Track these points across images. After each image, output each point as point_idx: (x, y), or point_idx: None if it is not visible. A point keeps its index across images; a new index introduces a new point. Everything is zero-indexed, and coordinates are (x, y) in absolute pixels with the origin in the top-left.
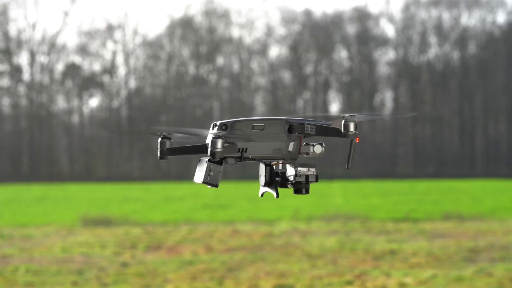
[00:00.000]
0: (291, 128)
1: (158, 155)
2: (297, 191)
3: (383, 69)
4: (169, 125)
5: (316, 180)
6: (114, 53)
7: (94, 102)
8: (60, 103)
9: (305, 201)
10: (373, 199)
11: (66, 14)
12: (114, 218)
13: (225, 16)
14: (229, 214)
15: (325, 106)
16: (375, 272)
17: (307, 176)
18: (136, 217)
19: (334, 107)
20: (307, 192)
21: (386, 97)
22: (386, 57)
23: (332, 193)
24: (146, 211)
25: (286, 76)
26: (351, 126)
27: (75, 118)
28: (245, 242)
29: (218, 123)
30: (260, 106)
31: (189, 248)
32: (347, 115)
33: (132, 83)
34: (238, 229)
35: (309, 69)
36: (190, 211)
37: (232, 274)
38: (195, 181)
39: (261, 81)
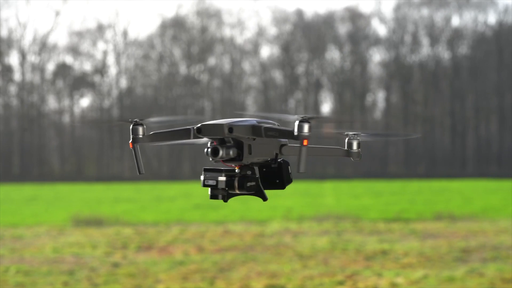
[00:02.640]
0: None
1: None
2: (213, 196)
3: (374, 69)
4: (161, 125)
5: (227, 187)
6: (105, 53)
7: (85, 102)
8: (51, 103)
9: (297, 201)
10: (365, 199)
11: (57, 13)
12: (105, 218)
13: (216, 16)
14: (220, 214)
15: (316, 106)
16: (367, 272)
17: (223, 182)
18: (127, 217)
19: (326, 107)
20: (223, 198)
21: (378, 97)
22: (377, 57)
23: (323, 193)
24: (137, 211)
25: (278, 76)
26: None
27: (66, 118)
28: (236, 242)
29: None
30: (251, 106)
31: (180, 248)
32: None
33: (123, 83)
34: (229, 229)
35: (300, 69)
36: (181, 211)
37: (224, 275)
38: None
39: (253, 81)
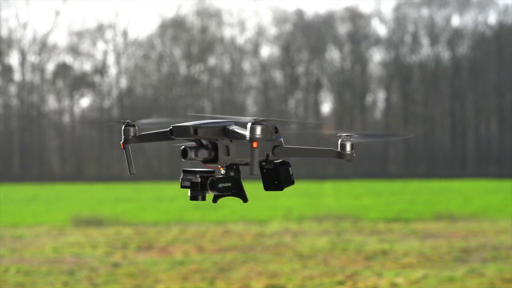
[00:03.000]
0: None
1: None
2: (192, 198)
3: (374, 69)
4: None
5: (202, 188)
6: (105, 53)
7: (85, 102)
8: (51, 103)
9: (297, 201)
10: (365, 199)
11: (57, 13)
12: (105, 218)
13: (216, 16)
14: (220, 214)
15: (316, 106)
16: (367, 272)
17: (197, 183)
18: (127, 217)
19: (326, 107)
20: (203, 199)
21: (378, 97)
22: (377, 57)
23: (323, 193)
24: (137, 211)
25: (278, 76)
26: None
27: (66, 118)
28: (236, 242)
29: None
30: (251, 106)
31: (180, 248)
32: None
33: (123, 83)
34: (229, 229)
35: (300, 69)
36: (181, 211)
37: (224, 274)
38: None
39: (253, 81)
